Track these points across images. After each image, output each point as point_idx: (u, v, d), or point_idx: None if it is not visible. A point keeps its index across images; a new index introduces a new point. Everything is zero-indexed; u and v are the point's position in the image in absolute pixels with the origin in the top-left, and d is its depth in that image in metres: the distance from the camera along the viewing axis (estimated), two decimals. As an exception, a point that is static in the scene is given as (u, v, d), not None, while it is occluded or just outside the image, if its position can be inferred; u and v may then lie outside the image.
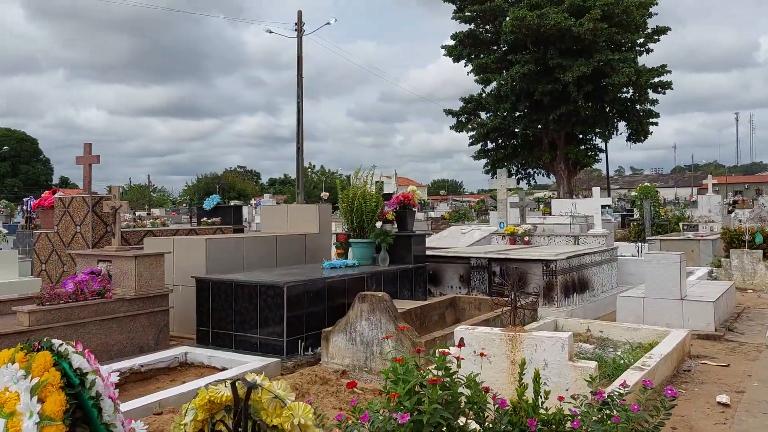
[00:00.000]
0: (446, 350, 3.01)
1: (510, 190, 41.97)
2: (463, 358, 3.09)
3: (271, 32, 25.05)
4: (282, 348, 6.12)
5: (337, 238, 7.96)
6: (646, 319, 7.49)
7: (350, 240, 7.74)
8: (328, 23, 24.87)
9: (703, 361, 6.55)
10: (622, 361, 5.65)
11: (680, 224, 15.17)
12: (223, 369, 5.93)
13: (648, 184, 19.39)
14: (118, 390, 2.62)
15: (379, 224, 7.54)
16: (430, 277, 8.75)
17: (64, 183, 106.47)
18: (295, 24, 24.56)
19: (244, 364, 5.76)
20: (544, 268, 8.06)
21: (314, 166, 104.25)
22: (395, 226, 8.00)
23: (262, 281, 6.26)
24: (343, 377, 5.64)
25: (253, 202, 37.49)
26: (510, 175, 50.17)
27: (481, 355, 3.76)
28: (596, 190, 10.36)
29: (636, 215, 18.80)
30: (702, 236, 13.33)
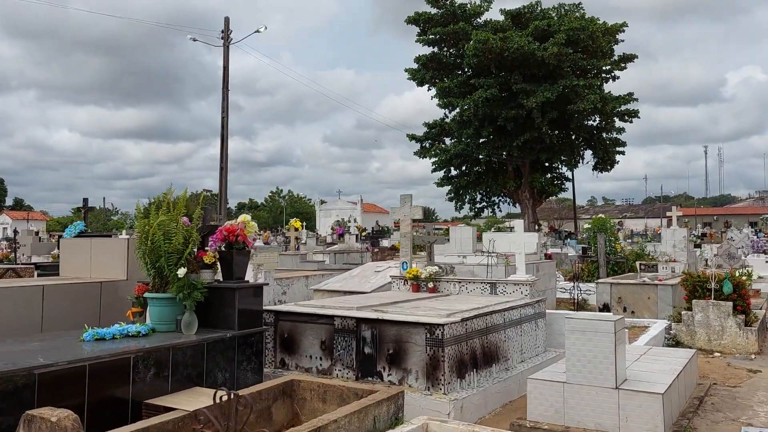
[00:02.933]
0: None
1: (470, 219, 40.15)
2: None
3: (195, 40, 22.81)
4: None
5: (135, 290, 5.58)
6: (569, 415, 5.20)
7: (146, 295, 5.36)
8: (258, 31, 22.73)
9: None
10: None
11: (638, 263, 13.08)
12: None
13: (602, 215, 17.31)
14: None
15: (181, 271, 5.16)
16: (285, 342, 6.38)
17: (18, 204, 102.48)
18: (222, 32, 22.32)
19: None
20: (428, 335, 5.75)
21: (281, 191, 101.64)
22: (218, 272, 5.64)
23: None
24: None
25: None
26: (474, 203, 48.60)
27: None
28: (518, 222, 8.03)
29: (593, 251, 16.61)
30: (660, 280, 11.17)
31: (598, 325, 5.18)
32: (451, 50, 44.03)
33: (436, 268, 7.95)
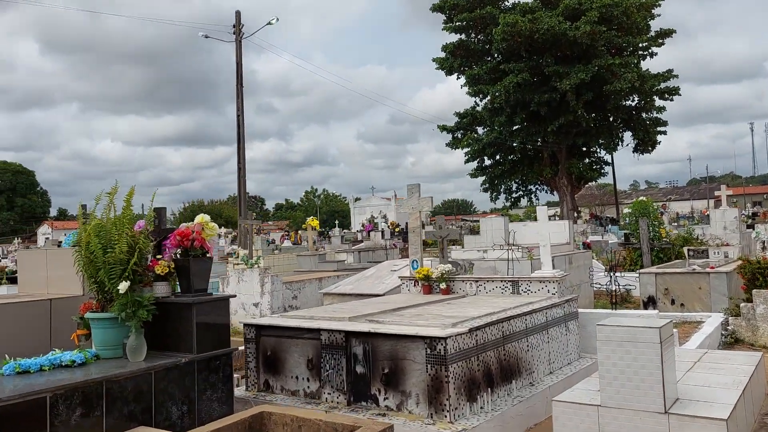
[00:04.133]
0: None
1: (508, 209, 38.82)
2: None
3: (207, 37, 22.16)
4: None
5: (80, 309, 4.73)
6: (605, 445, 4.14)
7: (87, 315, 4.50)
8: (270, 23, 21.93)
9: None
10: None
11: (685, 249, 11.81)
12: None
13: (644, 198, 15.94)
14: None
15: (123, 286, 4.28)
16: (269, 361, 5.46)
17: (62, 215, 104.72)
18: (233, 27, 21.61)
19: None
20: (428, 351, 4.75)
21: (316, 190, 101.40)
22: (173, 285, 4.73)
23: None
24: None
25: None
26: (510, 192, 47.11)
27: None
28: (542, 210, 6.86)
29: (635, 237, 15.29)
30: (712, 267, 9.90)
31: (639, 333, 4.11)
32: (478, 36, 42.66)
33: (449, 266, 6.93)
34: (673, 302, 9.84)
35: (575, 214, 40.48)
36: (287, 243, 28.39)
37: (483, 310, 5.48)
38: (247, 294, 10.55)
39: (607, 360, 4.21)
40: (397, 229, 41.37)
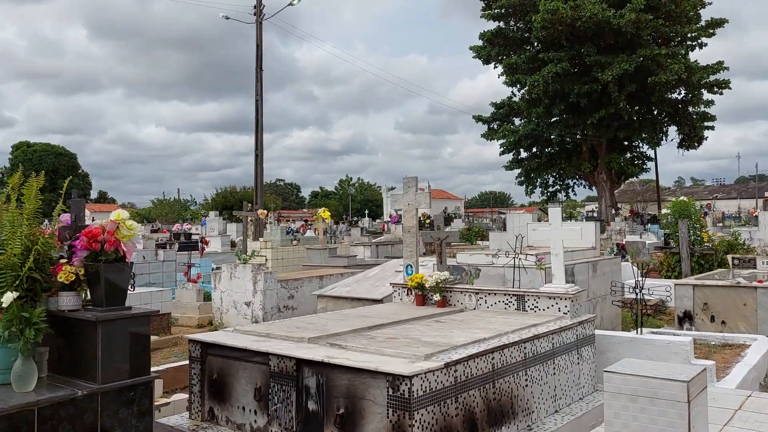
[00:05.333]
0: None
1: (545, 203, 37.45)
2: None
3: (227, 18, 21.41)
4: None
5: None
6: None
7: (-27, 331, 3.70)
8: (291, 4, 21.04)
9: None
10: None
11: (729, 257, 10.56)
12: None
13: (685, 198, 14.56)
14: None
15: (6, 298, 3.45)
16: (214, 386, 4.60)
17: (102, 197, 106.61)
18: (254, 8, 20.81)
19: None
20: (390, 392, 3.81)
21: (350, 179, 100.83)
22: (84, 294, 3.89)
23: None
24: None
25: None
26: (546, 186, 45.55)
27: None
28: (555, 211, 5.75)
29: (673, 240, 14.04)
30: (761, 281, 8.69)
31: (659, 387, 3.10)
32: (518, 24, 41.14)
33: (446, 274, 5.95)
34: (712, 319, 8.68)
35: (614, 211, 38.82)
36: (310, 233, 27.65)
37: (472, 335, 4.51)
38: (239, 292, 9.74)
39: (617, 419, 3.21)
40: (427, 221, 40.31)
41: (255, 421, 4.36)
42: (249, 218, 11.85)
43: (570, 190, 45.66)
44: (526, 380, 4.57)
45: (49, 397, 3.43)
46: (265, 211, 16.24)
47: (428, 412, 3.67)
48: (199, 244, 18.14)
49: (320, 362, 3.96)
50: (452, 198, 71.13)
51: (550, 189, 44.97)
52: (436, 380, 3.74)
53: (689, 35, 36.90)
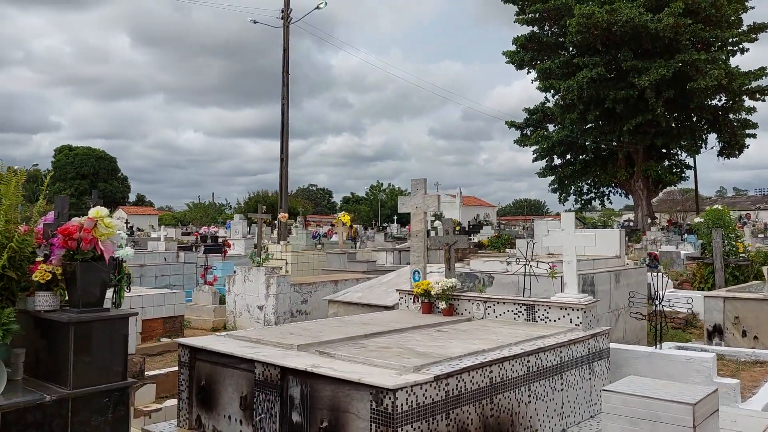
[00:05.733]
0: None
1: (579, 211, 36.65)
2: None
3: (255, 22, 21.46)
4: None
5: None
6: None
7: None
8: (318, 8, 20.99)
9: None
10: None
11: (765, 268, 10.02)
12: None
13: (719, 207, 13.98)
14: None
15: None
16: (202, 393, 4.43)
17: (140, 200, 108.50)
18: (282, 12, 20.81)
19: None
20: (373, 405, 3.56)
21: (381, 185, 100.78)
22: (62, 295, 3.75)
23: None
24: None
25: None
26: (581, 194, 44.67)
27: None
28: (568, 216, 5.40)
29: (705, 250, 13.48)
30: (797, 295, 8.18)
31: (662, 409, 2.80)
32: (552, 28, 40.54)
33: (453, 281, 5.69)
34: (744, 334, 8.21)
35: (650, 220, 37.85)
36: (335, 238, 27.51)
37: (471, 346, 4.24)
38: (253, 295, 9.61)
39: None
40: (457, 228, 39.83)
41: (240, 431, 4.16)
42: (263, 221, 11.74)
43: (605, 198, 44.76)
44: (530, 396, 4.28)
45: (14, 401, 3.28)
46: (286, 215, 16.18)
47: (415, 429, 3.42)
48: (223, 246, 18.19)
49: (304, 371, 3.74)
50: (484, 205, 70.39)
51: (585, 197, 44.13)
52: (424, 394, 3.49)
53: (730, 40, 35.83)
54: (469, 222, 45.34)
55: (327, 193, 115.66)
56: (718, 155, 38.43)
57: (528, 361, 4.28)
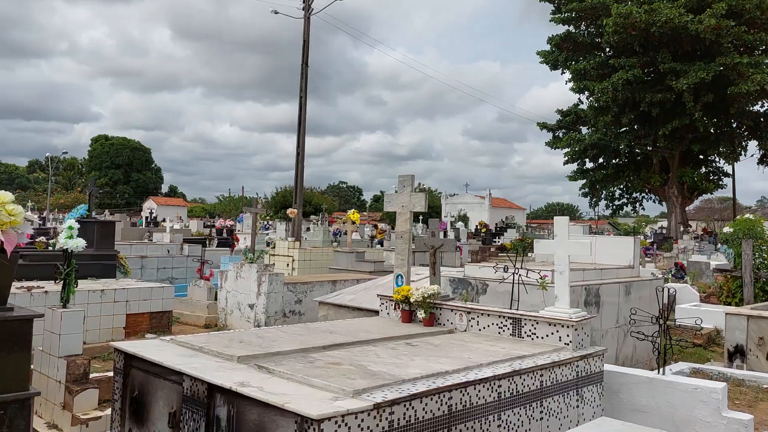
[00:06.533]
0: None
1: (612, 216, 35.65)
2: None
3: (276, 13, 21.10)
4: None
5: None
6: None
7: None
8: (339, -1, 20.52)
9: None
10: None
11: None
12: None
13: (750, 216, 13.11)
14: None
15: None
16: (134, 404, 3.99)
17: (173, 191, 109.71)
18: (303, 2, 20.41)
19: None
20: (298, 433, 3.02)
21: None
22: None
23: None
24: None
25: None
26: (612, 199, 43.43)
27: None
28: (562, 220, 4.78)
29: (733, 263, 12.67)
30: (830, 316, 7.41)
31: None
32: (588, 28, 39.41)
33: (435, 288, 5.14)
34: (769, 357, 7.47)
35: (683, 228, 36.55)
36: (356, 236, 27.08)
37: (433, 366, 3.70)
38: (244, 293, 9.17)
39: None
40: (484, 230, 39.03)
41: (168, 449, 3.69)
42: (258, 215, 11.33)
43: (638, 204, 43.50)
44: (500, 427, 3.72)
45: None
46: (296, 210, 15.77)
47: (345, 465, 2.89)
48: (231, 240, 17.88)
49: (230, 391, 3.25)
50: (514, 207, 69.21)
51: (617, 202, 42.93)
52: (359, 425, 2.96)
53: (775, 44, 34.33)
54: (496, 224, 44.44)
55: (357, 190, 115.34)
56: (758, 163, 36.94)
57: (499, 386, 3.72)
